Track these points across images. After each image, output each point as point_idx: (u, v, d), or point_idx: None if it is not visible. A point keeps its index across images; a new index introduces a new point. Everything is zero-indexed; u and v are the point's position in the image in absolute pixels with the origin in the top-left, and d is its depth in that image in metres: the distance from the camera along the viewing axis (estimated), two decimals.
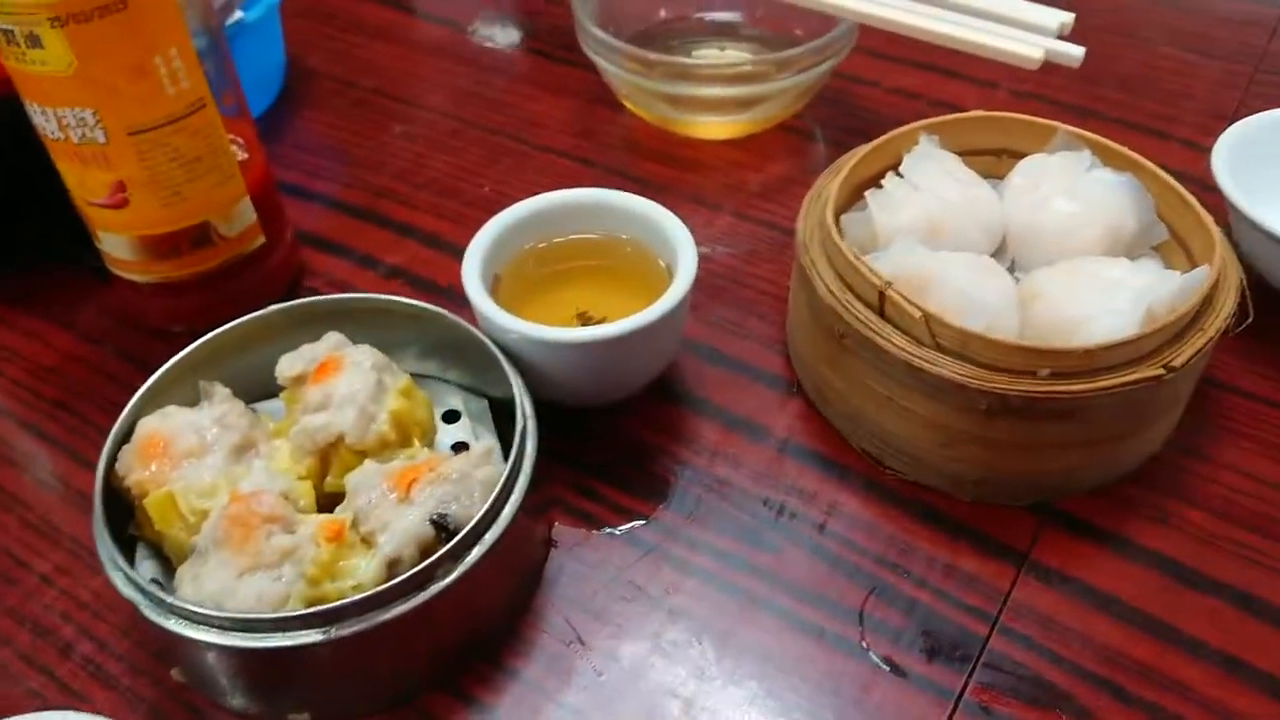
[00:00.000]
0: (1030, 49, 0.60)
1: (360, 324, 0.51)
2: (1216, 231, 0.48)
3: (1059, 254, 0.50)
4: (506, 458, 0.44)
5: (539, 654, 0.45)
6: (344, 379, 0.46)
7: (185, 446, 0.44)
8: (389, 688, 0.43)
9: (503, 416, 0.51)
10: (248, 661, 0.40)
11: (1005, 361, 0.43)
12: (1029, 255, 0.53)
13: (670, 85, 0.67)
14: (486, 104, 0.76)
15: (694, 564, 0.47)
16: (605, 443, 0.52)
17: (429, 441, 0.48)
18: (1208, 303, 0.46)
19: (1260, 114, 0.60)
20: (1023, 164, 0.55)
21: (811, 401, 0.53)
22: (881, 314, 0.46)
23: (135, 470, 0.43)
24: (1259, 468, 0.50)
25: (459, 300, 0.50)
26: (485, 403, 0.52)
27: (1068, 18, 0.62)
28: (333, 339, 0.48)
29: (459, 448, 0.50)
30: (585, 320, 0.53)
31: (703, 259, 0.61)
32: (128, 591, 0.40)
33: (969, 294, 0.46)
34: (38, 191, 0.58)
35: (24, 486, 0.52)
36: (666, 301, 0.48)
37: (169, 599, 0.39)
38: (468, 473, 0.43)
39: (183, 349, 0.49)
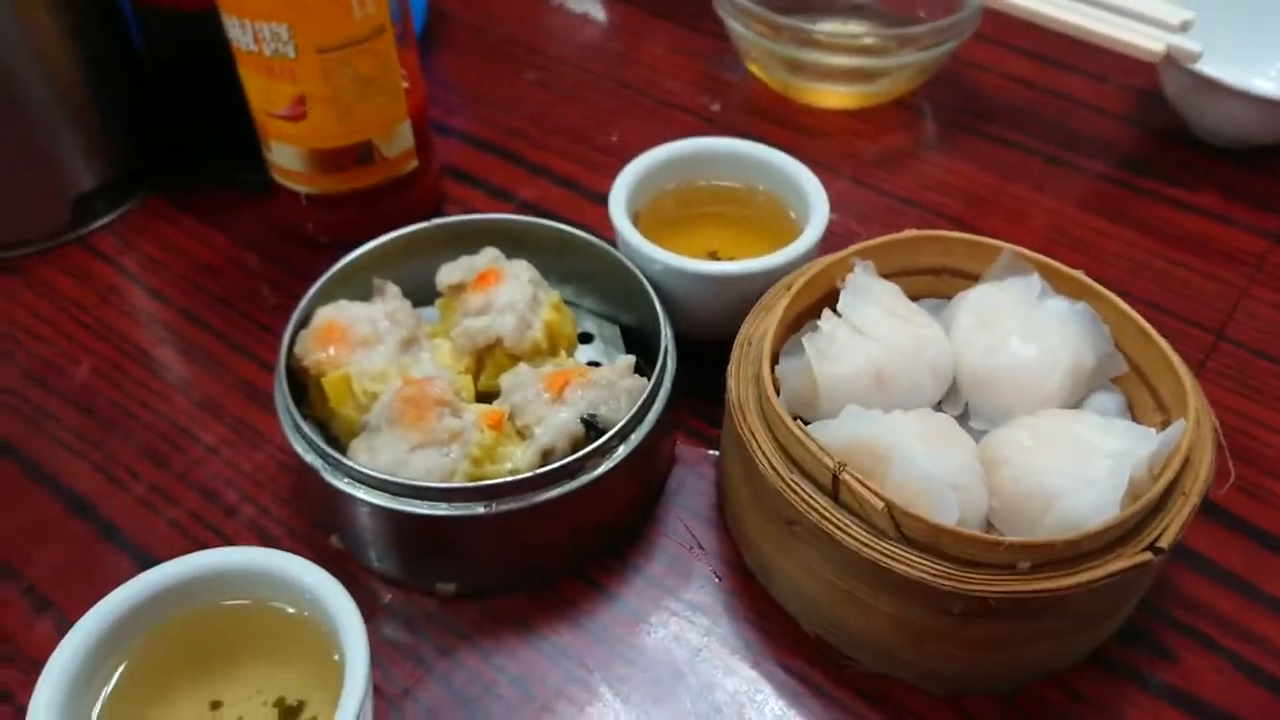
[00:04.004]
0: (1152, 42, 0.63)
1: (505, 247, 0.54)
2: (1185, 371, 0.45)
3: (1019, 402, 0.46)
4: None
5: (661, 555, 0.49)
6: (504, 288, 0.50)
7: (360, 335, 0.48)
8: (530, 568, 0.47)
9: (630, 343, 0.55)
10: (412, 528, 0.44)
11: (980, 556, 0.39)
12: (985, 403, 0.48)
13: (795, 51, 0.70)
14: (614, 58, 0.80)
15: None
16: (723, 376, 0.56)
17: (572, 355, 0.52)
18: (1186, 462, 0.42)
19: None
20: (970, 297, 0.50)
21: (754, 576, 0.48)
22: (835, 498, 0.41)
23: (314, 352, 0.48)
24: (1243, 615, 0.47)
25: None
26: (617, 329, 0.56)
27: (1189, 15, 0.65)
28: (490, 253, 0.52)
29: (592, 367, 0.54)
30: (715, 259, 0.56)
31: None
32: (309, 457, 0.44)
33: (934, 474, 0.41)
34: (211, 106, 0.64)
35: (190, 368, 0.57)
36: (799, 246, 0.52)
37: (348, 463, 0.43)
38: (614, 381, 0.47)
39: (333, 259, 0.52)
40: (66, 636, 0.37)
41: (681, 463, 0.52)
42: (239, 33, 0.54)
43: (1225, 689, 0.44)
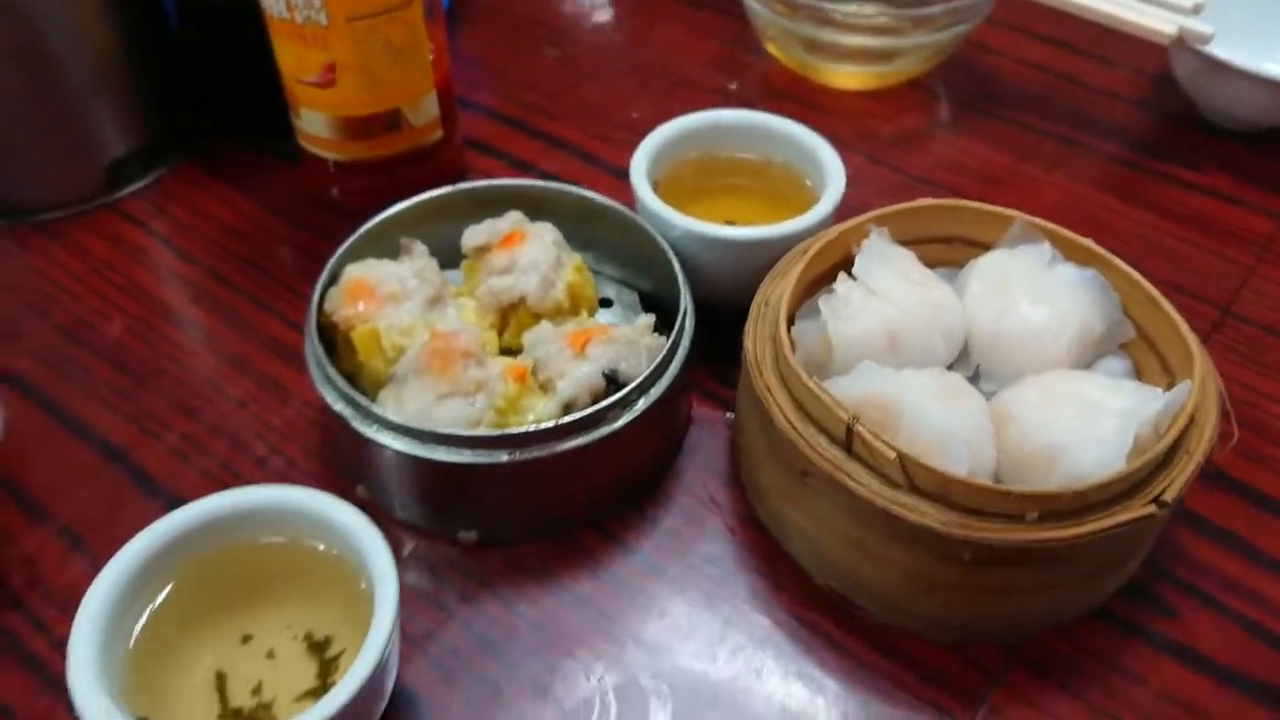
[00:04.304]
0: (1164, 24, 0.64)
1: (527, 213, 0.55)
2: (1192, 336, 0.46)
3: (1028, 364, 0.47)
4: None
5: (678, 509, 0.50)
6: (529, 248, 0.51)
7: (388, 291, 0.49)
8: (551, 518, 0.48)
9: (648, 310, 0.57)
10: (437, 475, 0.45)
11: (989, 506, 0.40)
12: (996, 365, 0.49)
13: (813, 30, 0.71)
14: (633, 39, 0.81)
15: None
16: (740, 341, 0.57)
17: (592, 317, 0.53)
18: (1191, 421, 0.43)
19: None
20: (981, 264, 0.51)
21: (767, 531, 0.49)
22: (848, 450, 0.42)
23: (343, 307, 0.49)
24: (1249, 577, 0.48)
25: None
26: (635, 295, 0.58)
27: None
28: (514, 216, 0.54)
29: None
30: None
31: None
32: (338, 406, 0.46)
33: (945, 427, 0.42)
34: (241, 75, 0.65)
35: (218, 326, 0.58)
36: (816, 213, 0.53)
37: (377, 411, 0.45)
38: (635, 339, 0.48)
39: (358, 225, 0.54)
40: (107, 566, 0.39)
41: (697, 424, 0.54)
42: (272, 1, 0.55)
43: (1226, 645, 0.46)
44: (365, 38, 0.56)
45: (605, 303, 0.57)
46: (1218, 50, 0.65)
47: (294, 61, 0.58)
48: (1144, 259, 0.62)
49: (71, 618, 0.46)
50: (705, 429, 0.53)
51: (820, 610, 0.46)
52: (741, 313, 0.49)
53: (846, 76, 0.75)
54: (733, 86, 0.77)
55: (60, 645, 0.45)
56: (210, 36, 0.66)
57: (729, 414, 0.54)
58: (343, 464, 0.51)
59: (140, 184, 0.67)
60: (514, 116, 0.73)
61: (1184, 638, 0.46)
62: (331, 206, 0.64)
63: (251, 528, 0.41)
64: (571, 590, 0.47)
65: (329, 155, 0.61)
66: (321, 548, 0.41)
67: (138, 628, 0.39)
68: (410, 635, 0.45)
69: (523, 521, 0.48)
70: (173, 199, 0.66)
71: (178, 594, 0.40)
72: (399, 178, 0.62)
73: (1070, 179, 0.69)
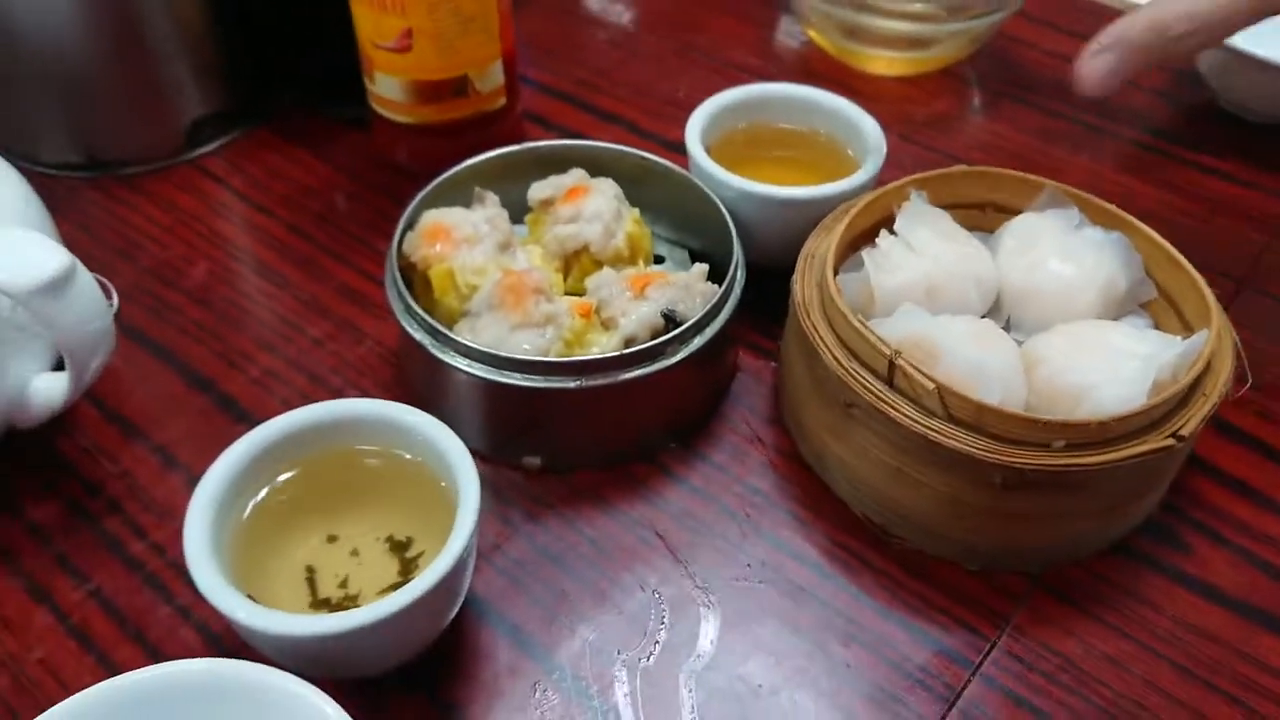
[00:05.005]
0: None
1: (587, 172, 0.59)
2: (1209, 293, 0.49)
3: (1056, 315, 0.51)
4: None
5: (725, 445, 0.54)
6: (592, 200, 0.55)
7: (462, 234, 0.53)
8: (609, 448, 0.52)
9: None
10: (509, 400, 0.49)
11: (1019, 434, 0.43)
12: (1025, 317, 0.53)
13: (853, 15, 0.75)
14: (678, 25, 0.85)
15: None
16: (784, 298, 0.61)
17: (649, 267, 0.57)
18: (1208, 367, 0.46)
19: None
20: (1014, 224, 0.55)
21: (808, 467, 0.53)
22: (890, 384, 0.46)
23: (421, 248, 0.53)
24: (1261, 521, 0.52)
25: None
26: (686, 253, 0.61)
27: None
28: (578, 172, 0.58)
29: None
30: None
31: None
32: (418, 335, 0.50)
33: (979, 364, 0.46)
34: (316, 44, 0.70)
35: (295, 272, 0.62)
36: (860, 176, 0.57)
37: (455, 338, 0.48)
38: (691, 284, 0.52)
39: (425, 185, 0.57)
40: (221, 455, 0.42)
41: (743, 372, 0.57)
42: None
43: (1237, 578, 0.49)
44: (438, 5, 0.60)
45: (658, 259, 0.61)
46: (1240, 41, 0.69)
47: (372, 27, 0.62)
48: (1161, 234, 0.66)
49: (168, 525, 0.50)
50: (750, 376, 0.57)
51: (859, 538, 0.50)
52: (785, 273, 0.53)
53: (884, 63, 0.79)
54: (773, 71, 0.80)
55: (157, 548, 0.49)
56: (287, 7, 0.70)
57: (773, 363, 0.58)
58: (414, 395, 0.55)
59: (218, 144, 0.71)
60: (567, 92, 0.77)
61: (1198, 572, 0.49)
62: (400, 169, 0.68)
63: (348, 435, 0.45)
64: (627, 513, 0.51)
65: (400, 118, 0.65)
66: (408, 456, 0.45)
67: (244, 516, 0.43)
68: (479, 548, 0.49)
69: (584, 450, 0.52)
70: (249, 159, 0.70)
71: (280, 491, 0.44)
72: (464, 142, 0.66)
73: (1094, 160, 0.73)
